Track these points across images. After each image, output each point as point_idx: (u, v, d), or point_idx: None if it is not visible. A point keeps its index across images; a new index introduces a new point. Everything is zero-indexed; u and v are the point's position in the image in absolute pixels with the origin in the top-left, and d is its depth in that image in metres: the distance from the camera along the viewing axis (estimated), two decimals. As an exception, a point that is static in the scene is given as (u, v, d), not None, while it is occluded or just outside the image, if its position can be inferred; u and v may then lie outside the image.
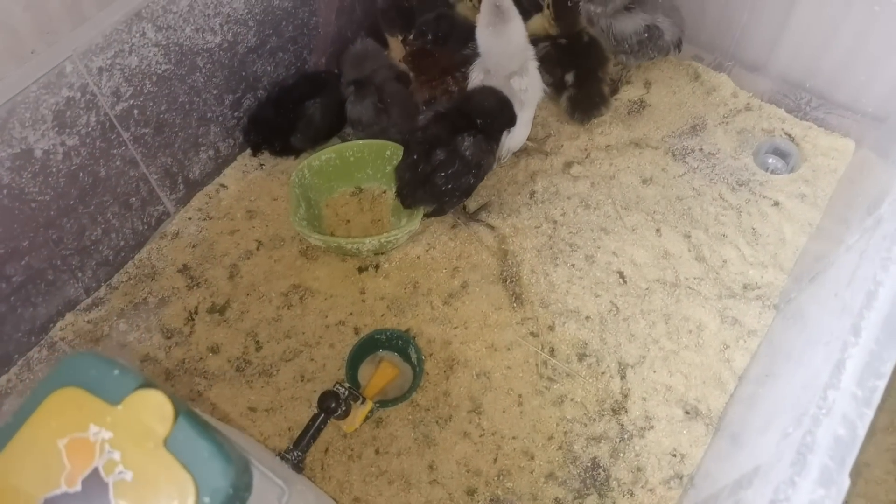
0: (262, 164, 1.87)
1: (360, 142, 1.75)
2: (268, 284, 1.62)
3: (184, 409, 0.67)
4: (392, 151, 1.72)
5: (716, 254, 1.66)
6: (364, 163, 1.77)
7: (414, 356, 1.48)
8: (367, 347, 1.51)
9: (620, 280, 1.63)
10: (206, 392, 1.46)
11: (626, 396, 1.46)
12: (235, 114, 1.79)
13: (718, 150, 1.86)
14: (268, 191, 1.81)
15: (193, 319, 1.57)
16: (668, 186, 1.79)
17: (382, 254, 1.66)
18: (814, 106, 1.87)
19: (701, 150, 1.86)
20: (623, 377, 1.48)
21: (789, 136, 1.87)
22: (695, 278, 1.63)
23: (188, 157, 1.71)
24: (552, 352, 1.51)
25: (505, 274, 1.64)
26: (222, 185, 1.82)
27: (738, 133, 1.89)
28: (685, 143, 1.88)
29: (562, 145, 1.88)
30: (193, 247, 1.69)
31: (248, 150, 1.87)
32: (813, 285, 1.37)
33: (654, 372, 1.49)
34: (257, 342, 1.54)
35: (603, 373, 1.49)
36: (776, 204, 1.75)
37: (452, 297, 1.60)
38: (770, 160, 1.86)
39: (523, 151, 1.84)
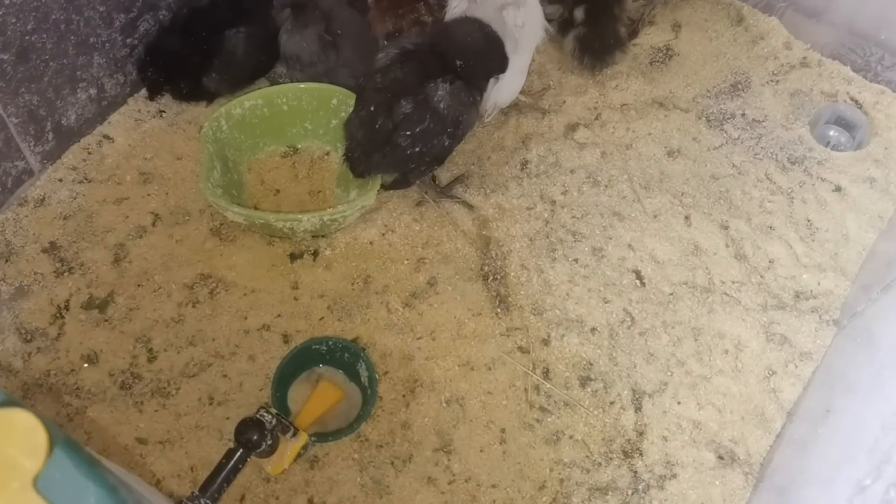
0: (161, 111, 1.84)
1: (298, 86, 1.73)
2: (166, 273, 1.60)
3: (61, 437, 0.65)
4: (340, 100, 1.71)
5: (760, 251, 1.68)
6: (301, 114, 1.75)
7: (364, 375, 1.47)
8: (302, 362, 1.49)
9: (637, 282, 1.64)
10: (78, 416, 1.43)
11: (641, 435, 1.46)
12: (128, 40, 1.76)
13: (766, 116, 1.87)
14: (169, 147, 1.78)
15: (63, 317, 1.54)
16: (700, 161, 1.80)
17: (324, 236, 1.65)
18: (887, 65, 1.90)
19: (743, 115, 1.87)
20: (638, 409, 1.48)
21: (856, 102, 1.89)
22: (733, 282, 1.64)
23: (61, 97, 1.67)
24: (546, 373, 1.52)
25: (486, 269, 1.64)
26: (106, 137, 1.78)
27: (792, 96, 1.91)
28: (723, 105, 1.89)
29: (564, 101, 1.88)
30: (65, 219, 1.66)
31: (144, 91, 1.84)
32: (886, 296, 1.38)
33: (679, 403, 1.49)
34: (150, 350, 1.51)
35: (612, 403, 1.49)
36: (838, 189, 1.77)
37: (416, 297, 1.59)
38: (831, 132, 1.88)
39: (514, 107, 1.84)
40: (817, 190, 1.77)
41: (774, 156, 1.82)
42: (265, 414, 1.25)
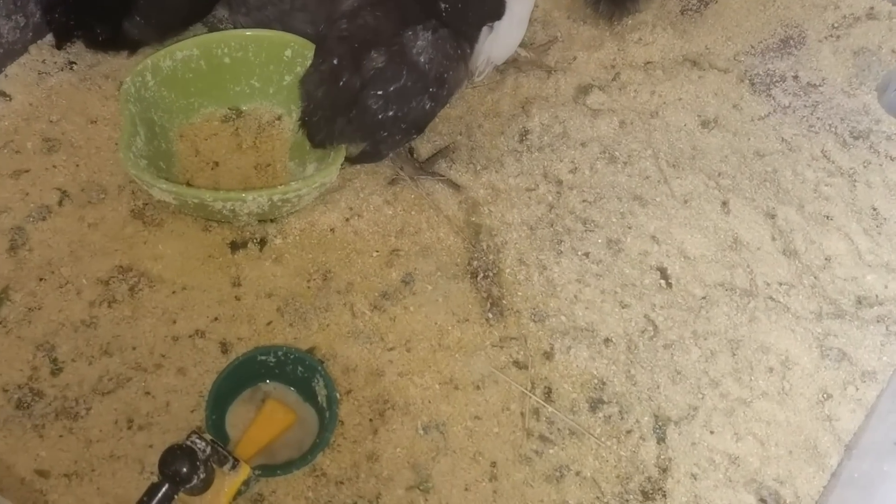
0: (72, 63, 1.83)
1: (243, 33, 1.73)
2: (76, 264, 1.59)
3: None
4: (295, 51, 1.71)
5: (814, 246, 1.68)
6: (247, 68, 1.75)
7: (321, 393, 1.47)
8: (244, 377, 1.49)
9: (662, 282, 1.64)
10: (-37, 442, 1.42)
11: (664, 472, 1.46)
12: (30, -28, 1.75)
13: (824, 80, 1.87)
14: (81, 107, 1.76)
15: (-56, 318, 1.52)
16: (742, 134, 1.80)
17: (273, 221, 1.65)
18: (975, 18, 1.91)
19: (796, 78, 1.87)
20: (661, 440, 1.48)
21: (935, 63, 1.90)
22: (780, 284, 1.64)
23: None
24: (548, 394, 1.51)
25: (475, 264, 1.64)
26: (2, 94, 1.78)
27: (856, 55, 1.91)
28: (771, 65, 1.89)
29: (574, 58, 1.87)
30: (-53, 194, 1.65)
31: (50, 38, 1.83)
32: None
33: (712, 433, 1.49)
34: (54, 361, 1.50)
35: (629, 431, 1.49)
36: (911, 170, 1.78)
37: (388, 297, 1.59)
38: (904, 100, 1.88)
39: (513, 64, 1.83)
40: (886, 171, 1.76)
41: (833, 128, 1.82)
42: (198, 441, 1.24)
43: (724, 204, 1.73)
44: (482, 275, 1.63)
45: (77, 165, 1.70)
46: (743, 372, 1.56)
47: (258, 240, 1.65)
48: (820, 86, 1.87)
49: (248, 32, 1.73)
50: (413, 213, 1.69)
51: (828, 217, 1.72)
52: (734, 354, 1.58)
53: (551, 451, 1.46)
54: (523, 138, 1.79)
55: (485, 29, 1.58)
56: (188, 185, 1.68)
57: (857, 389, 1.54)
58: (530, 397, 1.51)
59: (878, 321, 1.61)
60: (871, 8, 1.98)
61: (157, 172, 1.62)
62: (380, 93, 1.50)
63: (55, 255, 1.60)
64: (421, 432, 1.47)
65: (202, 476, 1.22)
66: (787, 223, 1.71)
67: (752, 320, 1.61)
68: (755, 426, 1.50)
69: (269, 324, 1.56)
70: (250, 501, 1.38)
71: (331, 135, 1.57)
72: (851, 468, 1.43)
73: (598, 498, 1.43)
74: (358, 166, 1.71)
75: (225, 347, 1.53)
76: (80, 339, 1.52)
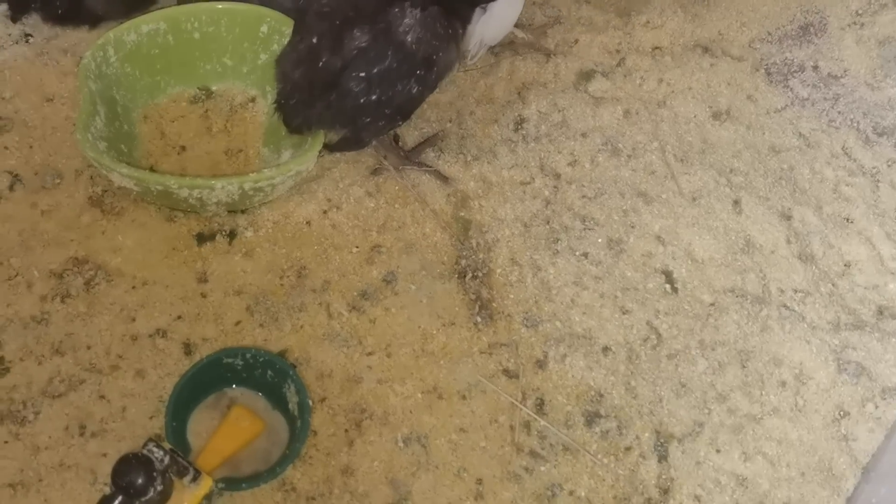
0: (27, 36, 1.83)
1: (215, 6, 1.72)
2: (26, 255, 1.58)
3: None
4: (272, 27, 1.70)
5: (833, 251, 1.68)
6: (219, 45, 1.74)
7: (292, 400, 1.46)
8: (209, 381, 1.48)
9: (667, 286, 1.64)
10: None
11: (666, 493, 1.45)
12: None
13: (845, 71, 1.88)
14: (36, 84, 1.76)
15: None
16: (756, 128, 1.80)
17: (244, 212, 1.64)
18: None
19: (815, 68, 1.88)
20: (663, 458, 1.48)
21: (968, 55, 1.91)
22: (795, 292, 1.64)
23: None
24: (540, 406, 1.51)
25: (464, 263, 1.64)
26: None
27: (881, 44, 1.91)
28: (789, 53, 1.89)
29: (576, 41, 1.88)
30: None
31: (5, 9, 1.83)
32: None
33: (718, 452, 1.49)
34: (0, 360, 1.49)
35: (628, 448, 1.49)
36: (940, 171, 1.78)
37: (367, 298, 1.59)
38: (933, 95, 1.88)
39: (508, 46, 1.83)
40: (912, 172, 1.77)
41: (856, 124, 1.83)
42: (155, 450, 1.24)
43: (736, 203, 1.73)
44: (471, 275, 1.63)
45: (30, 147, 1.70)
46: (753, 386, 1.56)
47: (227, 232, 1.64)
48: (841, 77, 1.87)
49: (221, 5, 1.72)
50: (397, 206, 1.69)
51: (848, 219, 1.72)
52: (744, 367, 1.58)
53: (543, 468, 1.46)
54: (518, 127, 1.79)
55: (478, 9, 1.59)
56: (151, 170, 1.68)
57: (877, 407, 1.54)
58: (521, 409, 1.51)
59: (900, 333, 1.61)
60: (899, -6, 1.98)
61: (118, 156, 1.60)
62: (362, 75, 1.50)
63: (4, 244, 1.60)
64: (401, 445, 1.46)
65: (159, 488, 1.22)
66: (804, 225, 1.71)
67: (765, 330, 1.61)
68: (765, 445, 1.50)
69: (237, 323, 1.55)
70: (213, 517, 1.38)
71: (308, 120, 1.57)
72: (869, 492, 1.43)
73: (593, 520, 1.43)
74: (337, 154, 1.70)
75: (188, 348, 1.53)
76: (29, 337, 1.51)
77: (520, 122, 1.79)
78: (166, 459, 1.24)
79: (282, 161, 1.66)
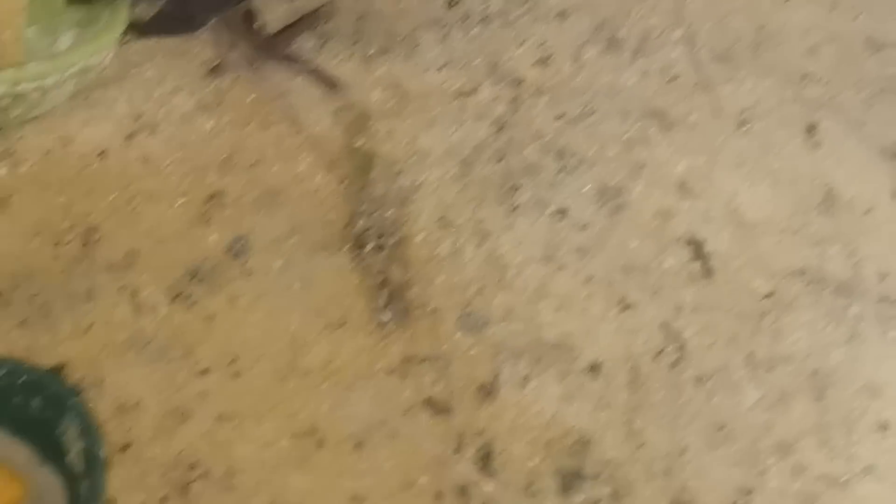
0: None
1: None
2: None
3: None
4: None
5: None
6: None
7: (74, 449, 1.17)
8: None
9: (696, 265, 1.36)
10: None
11: None
12: None
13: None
14: None
15: None
16: (847, 8, 1.66)
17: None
18: None
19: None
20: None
21: None
22: (906, 277, 1.42)
23: None
24: (486, 460, 1.23)
25: (362, 225, 1.37)
26: None
27: None
28: None
29: None
30: None
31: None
32: None
33: (775, 538, 1.29)
34: None
35: (629, 530, 1.29)
36: None
37: (202, 280, 1.31)
38: None
39: None
40: None
41: None
42: None
43: (811, 130, 1.45)
44: (374, 244, 1.32)
45: None
46: (835, 429, 1.27)
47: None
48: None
49: None
50: (251, 128, 1.39)
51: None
52: (820, 399, 1.28)
53: (488, 556, 1.25)
54: (454, 1, 1.52)
55: None
56: None
57: None
58: (454, 465, 1.20)
59: None
60: None
61: None
62: None
63: None
64: (258, 520, 1.24)
65: None
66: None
67: (854, 338, 1.31)
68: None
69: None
70: None
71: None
72: None
73: None
74: (152, 41, 1.41)
75: None
76: None
77: (457, -6, 1.57)
78: None
79: (57, 50, 1.37)
